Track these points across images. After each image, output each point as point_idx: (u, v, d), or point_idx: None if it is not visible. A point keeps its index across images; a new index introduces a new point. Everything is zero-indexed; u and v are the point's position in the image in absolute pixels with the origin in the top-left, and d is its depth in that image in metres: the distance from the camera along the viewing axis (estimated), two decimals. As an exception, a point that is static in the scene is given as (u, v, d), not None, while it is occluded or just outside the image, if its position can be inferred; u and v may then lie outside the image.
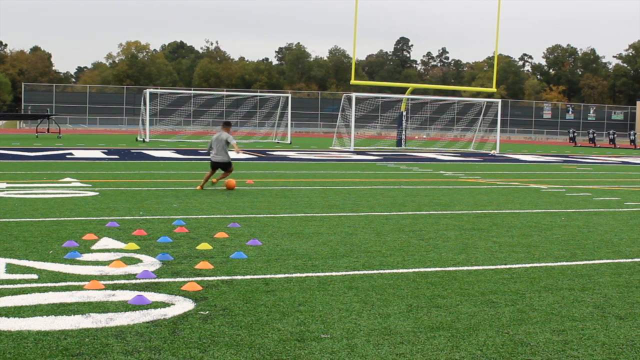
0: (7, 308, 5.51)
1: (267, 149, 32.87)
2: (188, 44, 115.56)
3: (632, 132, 57.06)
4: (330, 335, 5.06)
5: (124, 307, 5.61)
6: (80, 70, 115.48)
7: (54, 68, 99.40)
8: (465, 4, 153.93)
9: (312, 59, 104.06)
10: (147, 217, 10.36)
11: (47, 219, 9.84)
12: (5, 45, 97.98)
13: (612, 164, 29.61)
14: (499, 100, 42.02)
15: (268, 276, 6.82)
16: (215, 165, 14.94)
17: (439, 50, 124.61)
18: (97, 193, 13.18)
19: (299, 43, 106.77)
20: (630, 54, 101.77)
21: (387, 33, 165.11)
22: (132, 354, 4.58)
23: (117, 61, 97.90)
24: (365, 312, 5.69)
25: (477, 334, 5.22)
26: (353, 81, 36.56)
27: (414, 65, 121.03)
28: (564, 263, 7.90)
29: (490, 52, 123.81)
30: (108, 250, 7.78)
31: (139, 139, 39.42)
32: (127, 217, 10.25)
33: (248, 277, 6.77)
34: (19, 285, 6.20)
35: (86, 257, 7.42)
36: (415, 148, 40.09)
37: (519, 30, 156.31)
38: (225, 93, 63.76)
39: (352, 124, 37.09)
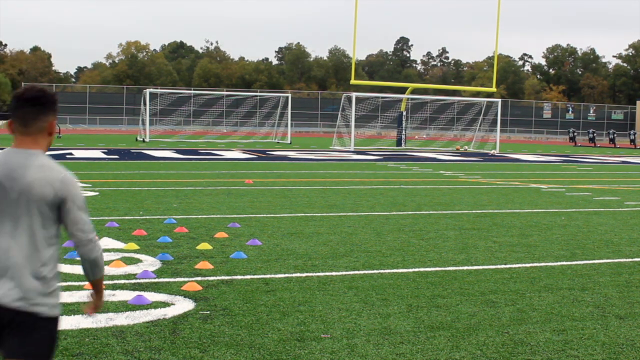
0: (7, 308, 5.51)
1: (267, 149, 32.86)
2: (188, 44, 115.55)
3: (632, 132, 57.02)
4: (330, 335, 5.06)
5: (124, 307, 5.61)
6: (80, 70, 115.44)
7: (54, 68, 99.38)
8: (465, 4, 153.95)
9: (312, 59, 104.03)
10: (147, 217, 10.36)
11: (47, 219, 9.82)
12: (5, 45, 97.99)
13: (612, 163, 29.61)
14: (499, 100, 42.01)
15: (268, 276, 6.82)
16: None
17: (439, 50, 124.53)
18: (97, 193, 13.18)
19: (298, 43, 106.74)
20: (630, 54, 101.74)
21: (387, 33, 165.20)
22: (132, 354, 4.58)
23: (117, 61, 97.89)
24: (365, 312, 5.69)
25: (477, 333, 5.22)
26: (353, 81, 36.54)
27: (414, 65, 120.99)
28: (564, 263, 7.90)
29: (490, 51, 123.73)
30: (108, 250, 7.78)
31: (139, 139, 39.41)
32: (127, 217, 10.25)
33: (248, 277, 6.77)
34: (19, 285, 6.20)
35: (86, 257, 7.41)
36: (415, 148, 40.11)
37: (519, 30, 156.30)
38: (225, 93, 63.72)
39: (352, 123, 37.07)
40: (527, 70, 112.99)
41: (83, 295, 5.91)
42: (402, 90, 45.49)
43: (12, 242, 2.86)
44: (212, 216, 10.61)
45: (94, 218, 10.10)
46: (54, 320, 2.90)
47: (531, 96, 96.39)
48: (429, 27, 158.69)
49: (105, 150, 28.07)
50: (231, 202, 12.35)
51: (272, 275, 6.85)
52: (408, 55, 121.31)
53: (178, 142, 38.04)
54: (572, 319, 5.69)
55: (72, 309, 5.52)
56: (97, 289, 3.11)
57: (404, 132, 41.87)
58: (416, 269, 7.32)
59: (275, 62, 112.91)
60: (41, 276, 2.86)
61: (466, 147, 41.33)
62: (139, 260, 7.31)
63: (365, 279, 6.84)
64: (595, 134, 56.86)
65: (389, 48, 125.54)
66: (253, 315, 5.49)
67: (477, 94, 77.45)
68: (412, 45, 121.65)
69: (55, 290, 2.92)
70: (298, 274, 6.93)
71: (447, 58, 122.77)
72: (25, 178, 2.85)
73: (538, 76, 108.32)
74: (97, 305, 3.16)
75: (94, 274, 3.02)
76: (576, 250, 8.70)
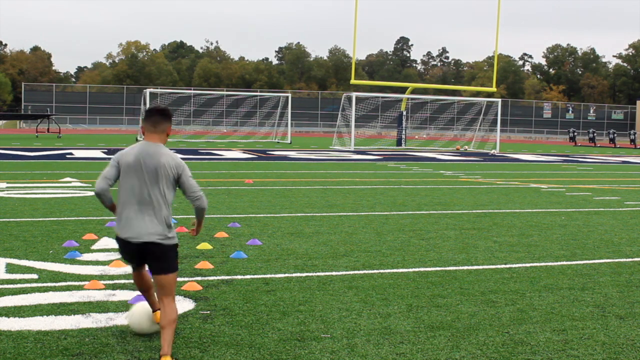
0: (7, 308, 5.52)
1: (267, 149, 32.86)
2: (188, 44, 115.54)
3: (632, 132, 56.99)
4: (331, 335, 5.07)
5: (124, 306, 5.61)
6: (80, 70, 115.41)
7: (54, 68, 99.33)
8: (465, 4, 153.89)
9: (312, 59, 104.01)
10: (147, 217, 10.34)
11: (47, 219, 9.84)
12: (5, 45, 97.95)
13: (612, 163, 29.61)
14: (499, 100, 42.01)
15: (268, 276, 6.82)
16: None
17: (439, 50, 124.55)
18: (97, 193, 13.16)
19: (298, 43, 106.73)
20: (630, 54, 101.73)
21: (387, 33, 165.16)
22: (132, 353, 4.59)
23: (117, 61, 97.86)
24: (365, 311, 5.69)
25: (477, 333, 5.22)
26: (353, 81, 36.53)
27: (414, 65, 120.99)
28: (564, 262, 7.90)
29: (490, 51, 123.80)
30: (108, 250, 7.79)
31: (139, 138, 39.39)
32: (127, 217, 10.23)
33: (248, 276, 6.78)
34: (19, 285, 6.20)
35: (86, 256, 7.42)
36: (415, 148, 40.11)
37: (519, 30, 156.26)
38: (225, 93, 63.68)
39: (352, 123, 37.07)
40: (527, 70, 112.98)
41: (83, 295, 5.91)
42: (402, 90, 45.49)
43: (150, 199, 4.53)
44: (212, 216, 10.61)
45: (94, 218, 10.10)
46: (175, 247, 4.62)
47: (531, 96, 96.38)
48: (429, 27, 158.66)
49: (106, 150, 28.07)
50: (231, 202, 12.35)
51: (272, 275, 6.85)
52: (408, 55, 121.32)
53: (178, 142, 38.04)
54: (572, 318, 5.69)
55: (72, 308, 5.52)
56: (200, 221, 4.89)
57: (404, 132, 41.86)
58: (416, 269, 7.32)
59: (275, 62, 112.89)
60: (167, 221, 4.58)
61: (466, 147, 41.34)
62: (139, 260, 7.30)
63: (365, 278, 6.84)
64: (595, 134, 56.85)
65: (389, 48, 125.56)
66: (253, 315, 5.49)
67: (477, 94, 77.49)
68: (412, 45, 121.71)
69: (172, 229, 4.64)
70: (298, 274, 6.93)
71: (447, 58, 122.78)
72: (159, 160, 4.56)
73: (538, 76, 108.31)
74: (198, 230, 4.96)
75: (202, 215, 4.83)
76: (576, 250, 8.70)
